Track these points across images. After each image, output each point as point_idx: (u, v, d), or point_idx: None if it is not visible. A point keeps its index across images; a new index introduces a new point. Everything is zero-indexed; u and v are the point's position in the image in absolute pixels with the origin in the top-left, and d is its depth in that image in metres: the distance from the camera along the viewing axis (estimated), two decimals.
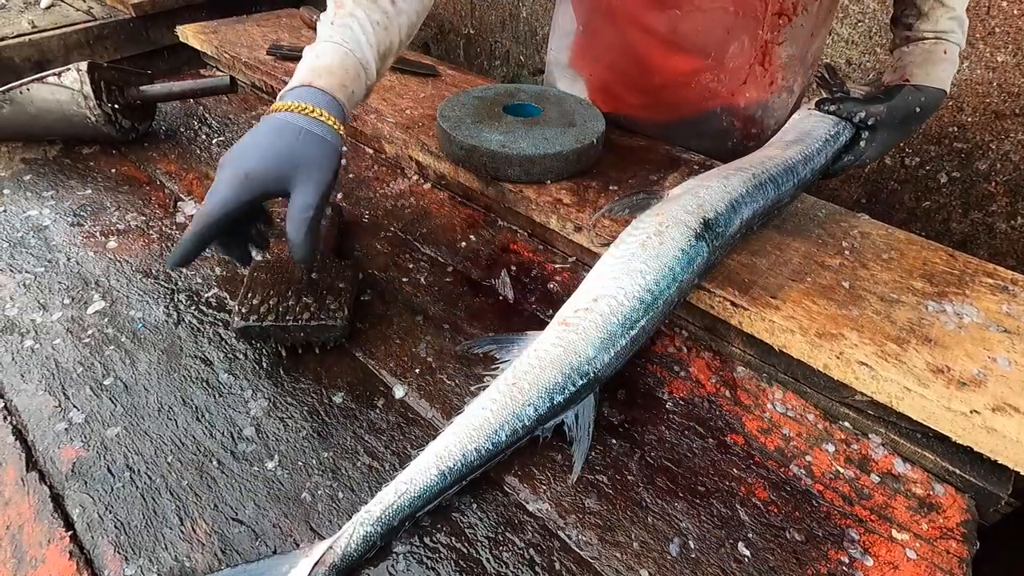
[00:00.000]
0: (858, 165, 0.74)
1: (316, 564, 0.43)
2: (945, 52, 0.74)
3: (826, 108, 0.72)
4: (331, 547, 0.44)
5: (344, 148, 0.56)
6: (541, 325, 0.65)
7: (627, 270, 0.56)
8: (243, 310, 0.59)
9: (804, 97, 0.92)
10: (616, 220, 0.69)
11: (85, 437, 0.53)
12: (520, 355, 0.54)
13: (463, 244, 0.77)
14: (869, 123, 0.71)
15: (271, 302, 0.60)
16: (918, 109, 0.72)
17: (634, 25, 0.79)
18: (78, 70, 0.84)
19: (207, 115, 1.07)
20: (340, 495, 0.49)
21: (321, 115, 0.54)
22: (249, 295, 0.61)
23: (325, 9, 0.61)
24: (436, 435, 0.52)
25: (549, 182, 0.76)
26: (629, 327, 0.54)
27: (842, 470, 0.53)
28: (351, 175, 0.91)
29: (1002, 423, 0.48)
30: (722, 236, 0.60)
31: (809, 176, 0.69)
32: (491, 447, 0.49)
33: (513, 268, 0.73)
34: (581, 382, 0.52)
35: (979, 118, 1.37)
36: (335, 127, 0.55)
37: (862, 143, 0.72)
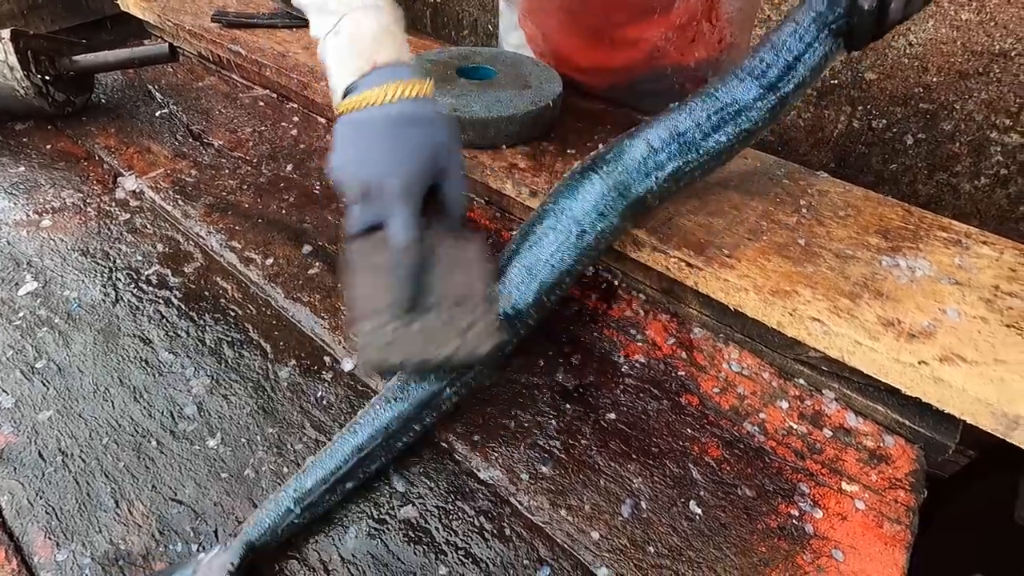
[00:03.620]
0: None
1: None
2: None
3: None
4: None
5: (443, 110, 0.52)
6: None
7: None
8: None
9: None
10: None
11: (15, 422, 0.51)
12: None
13: None
14: None
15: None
16: None
17: None
18: (0, 39, 0.79)
19: (151, 87, 1.02)
20: (285, 470, 0.48)
21: (421, 90, 0.48)
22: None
23: None
24: None
25: (505, 147, 0.74)
26: None
27: (795, 426, 0.53)
28: (302, 145, 0.87)
29: (949, 373, 0.48)
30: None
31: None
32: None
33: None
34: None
35: (944, 78, 1.37)
36: (432, 95, 0.50)
37: None
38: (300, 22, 1.05)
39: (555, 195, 0.55)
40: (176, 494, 0.46)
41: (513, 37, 0.92)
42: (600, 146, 0.60)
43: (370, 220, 0.47)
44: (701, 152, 0.56)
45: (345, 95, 0.49)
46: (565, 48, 0.85)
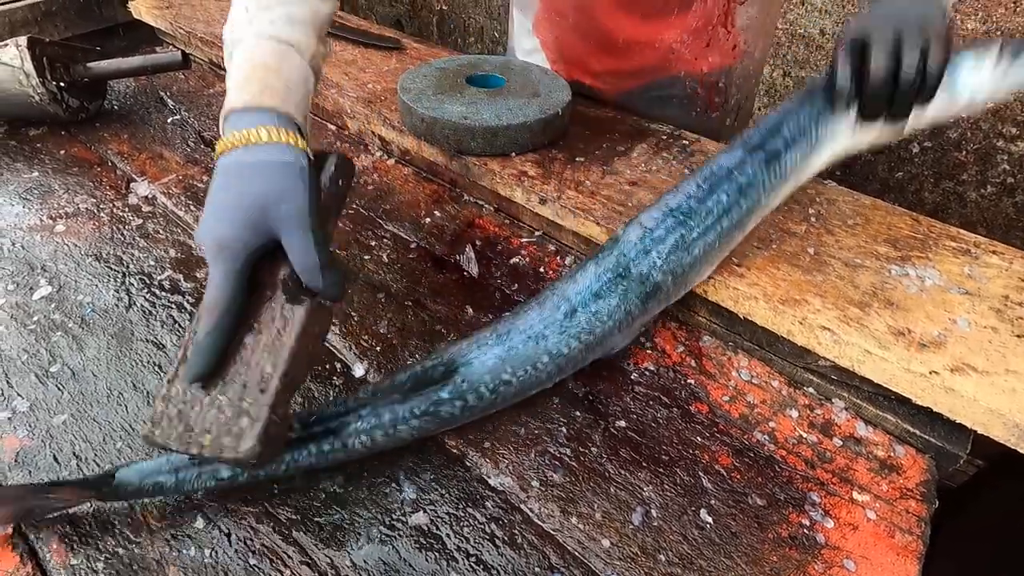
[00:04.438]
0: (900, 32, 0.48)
1: None
2: None
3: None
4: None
5: (308, 158, 0.45)
6: (506, 299, 0.64)
7: None
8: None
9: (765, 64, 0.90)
10: (582, 192, 0.68)
11: (30, 426, 0.51)
12: None
13: (427, 220, 0.75)
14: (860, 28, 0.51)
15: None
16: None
17: None
18: (17, 45, 0.80)
19: (163, 93, 1.03)
20: (297, 477, 0.48)
21: (260, 136, 0.43)
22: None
23: None
24: None
25: (514, 154, 0.75)
26: None
27: (805, 435, 0.53)
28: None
29: (960, 383, 0.48)
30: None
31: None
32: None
33: (478, 243, 0.71)
34: None
35: None
36: (285, 140, 0.44)
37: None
38: None
39: (551, 284, 0.55)
40: (188, 498, 0.47)
41: (526, 42, 0.92)
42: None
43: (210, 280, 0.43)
44: (703, 216, 0.53)
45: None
46: (580, 53, 0.86)
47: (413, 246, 0.71)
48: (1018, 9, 1.22)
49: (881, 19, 0.48)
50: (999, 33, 1.27)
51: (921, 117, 0.52)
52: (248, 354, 0.42)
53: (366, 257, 0.69)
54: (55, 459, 0.49)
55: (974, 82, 0.51)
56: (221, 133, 0.46)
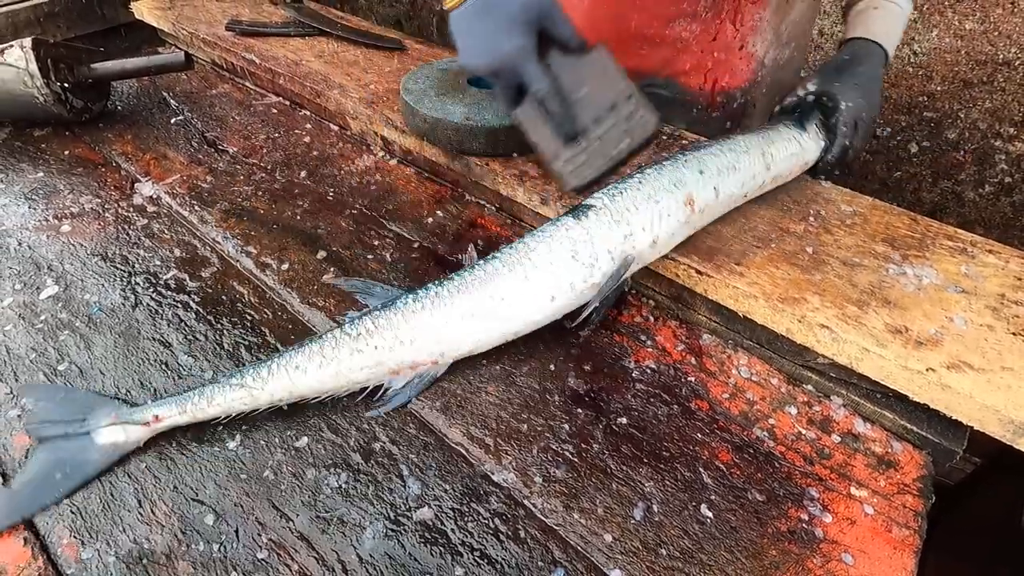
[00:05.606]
0: (858, 121, 0.68)
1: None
2: (876, 8, 0.74)
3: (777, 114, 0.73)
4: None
5: None
6: None
7: None
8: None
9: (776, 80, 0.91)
10: (585, 195, 0.69)
11: None
12: None
13: (430, 220, 0.76)
14: (812, 90, 0.69)
15: None
16: (846, 57, 0.72)
17: None
18: (22, 47, 0.80)
19: (166, 94, 1.03)
20: (304, 472, 0.49)
21: None
22: None
23: None
24: (402, 409, 0.52)
25: (516, 155, 0.75)
26: None
27: (804, 431, 0.54)
28: (315, 152, 0.89)
29: (956, 380, 0.49)
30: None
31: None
32: None
33: (480, 243, 0.72)
34: None
35: (948, 87, 1.38)
36: None
37: (836, 102, 0.68)
38: (312, 30, 1.07)
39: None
40: (197, 494, 0.47)
41: None
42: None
43: (510, 86, 0.59)
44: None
45: None
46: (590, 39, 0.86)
47: (416, 245, 0.72)
48: (1016, 10, 1.23)
49: (852, 107, 0.68)
50: (997, 35, 1.27)
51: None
52: (583, 100, 0.62)
53: (369, 256, 0.70)
54: None
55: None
56: None
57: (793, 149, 0.67)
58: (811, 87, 0.70)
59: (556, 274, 0.55)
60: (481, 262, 0.57)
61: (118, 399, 0.52)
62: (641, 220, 0.57)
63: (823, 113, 0.69)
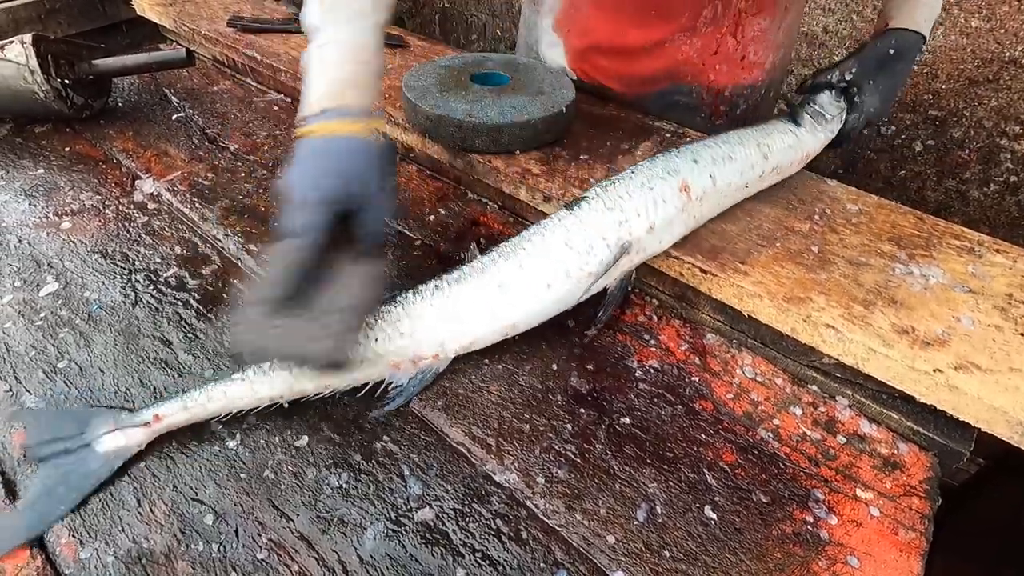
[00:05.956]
0: (868, 122, 0.71)
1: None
2: None
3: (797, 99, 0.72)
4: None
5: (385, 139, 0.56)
6: None
7: None
8: None
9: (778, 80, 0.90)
10: (586, 190, 0.68)
11: None
12: None
13: (431, 217, 0.75)
14: (847, 79, 0.70)
15: None
16: (891, 51, 0.70)
17: None
18: (22, 43, 0.80)
19: (167, 91, 1.03)
20: (304, 472, 0.49)
21: (351, 129, 0.53)
22: None
23: None
24: (404, 408, 0.51)
25: (518, 152, 0.75)
26: None
27: (809, 432, 0.53)
28: None
29: (964, 381, 0.48)
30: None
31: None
32: None
33: (482, 240, 0.72)
34: None
35: (953, 85, 1.37)
36: (361, 130, 0.54)
37: (856, 99, 0.70)
38: None
39: None
40: (197, 494, 0.47)
41: (546, 39, 0.91)
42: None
43: (290, 226, 0.51)
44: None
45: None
46: (593, 53, 0.85)
47: (418, 243, 0.71)
48: (1022, 8, 1.22)
49: (872, 113, 0.70)
50: (1003, 32, 1.26)
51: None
52: (323, 291, 0.49)
53: None
54: None
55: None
56: (307, 121, 0.54)
57: (790, 141, 0.68)
58: (847, 75, 0.70)
59: (551, 262, 0.56)
60: (479, 256, 0.57)
61: (115, 407, 0.51)
62: (635, 206, 0.57)
63: (845, 96, 0.70)
